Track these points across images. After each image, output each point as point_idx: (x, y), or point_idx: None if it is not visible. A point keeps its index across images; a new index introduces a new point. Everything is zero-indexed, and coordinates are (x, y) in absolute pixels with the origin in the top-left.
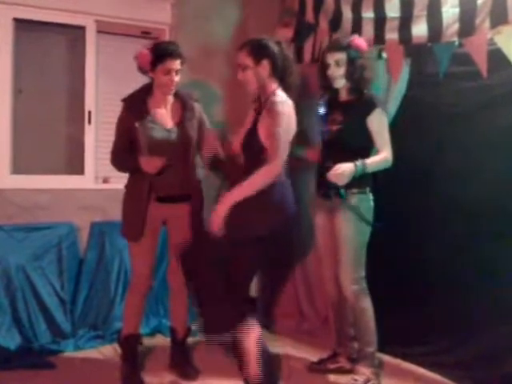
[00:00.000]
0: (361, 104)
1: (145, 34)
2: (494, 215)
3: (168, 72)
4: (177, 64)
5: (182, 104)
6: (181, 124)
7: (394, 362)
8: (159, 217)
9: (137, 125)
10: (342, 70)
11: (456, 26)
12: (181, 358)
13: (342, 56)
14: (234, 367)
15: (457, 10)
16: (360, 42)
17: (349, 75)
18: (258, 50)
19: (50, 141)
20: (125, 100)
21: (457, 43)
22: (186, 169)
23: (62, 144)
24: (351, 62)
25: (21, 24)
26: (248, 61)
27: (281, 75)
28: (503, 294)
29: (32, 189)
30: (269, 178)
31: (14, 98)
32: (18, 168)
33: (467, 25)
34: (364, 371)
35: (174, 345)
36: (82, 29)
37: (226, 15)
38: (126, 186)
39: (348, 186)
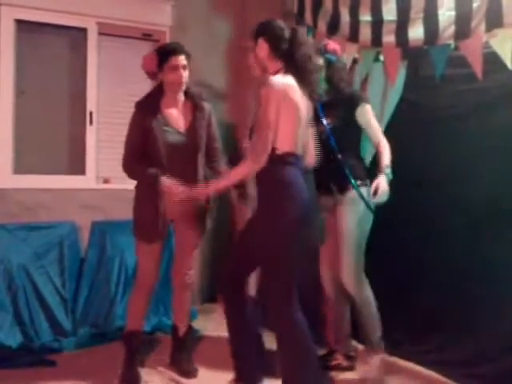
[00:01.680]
0: (344, 101)
1: (146, 35)
2: (492, 215)
3: (175, 68)
4: (181, 59)
5: (193, 104)
6: (192, 126)
7: (391, 360)
8: (168, 216)
9: (153, 124)
10: (321, 74)
11: (452, 29)
12: (181, 356)
13: (320, 61)
14: (225, 364)
15: (453, 13)
16: (335, 46)
17: (328, 78)
18: (256, 30)
19: (52, 141)
20: (138, 103)
21: (453, 46)
22: (194, 168)
23: (63, 144)
24: (329, 65)
25: (23, 25)
26: (250, 43)
27: (286, 56)
28: (502, 293)
29: (34, 188)
30: (244, 174)
31: (17, 98)
32: (20, 168)
33: (463, 28)
34: (374, 359)
35: (175, 342)
36: (83, 30)
37: (227, 17)
38: (139, 188)
39: (355, 178)
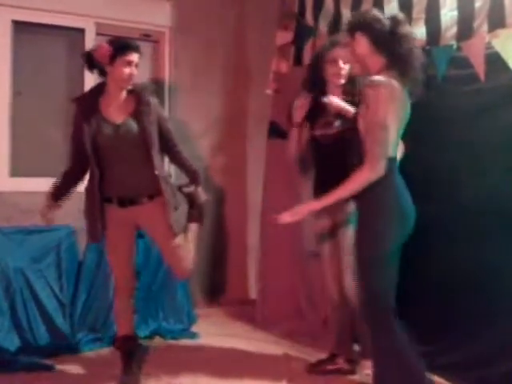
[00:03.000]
0: (358, 103)
1: (145, 36)
2: (494, 215)
3: (129, 63)
4: (137, 57)
5: (137, 98)
6: (134, 118)
7: None
8: (124, 220)
9: (89, 120)
10: (347, 68)
11: (454, 30)
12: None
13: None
14: (226, 368)
15: (455, 14)
16: None
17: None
18: (352, 24)
19: (49, 143)
20: (77, 99)
21: (455, 46)
22: (143, 167)
23: (60, 146)
24: None
25: (20, 26)
26: (347, 39)
27: (389, 51)
28: (503, 294)
29: (31, 191)
30: (361, 183)
31: (13, 99)
32: (16, 170)
33: (465, 28)
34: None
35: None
36: (81, 31)
37: (226, 18)
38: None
39: None
